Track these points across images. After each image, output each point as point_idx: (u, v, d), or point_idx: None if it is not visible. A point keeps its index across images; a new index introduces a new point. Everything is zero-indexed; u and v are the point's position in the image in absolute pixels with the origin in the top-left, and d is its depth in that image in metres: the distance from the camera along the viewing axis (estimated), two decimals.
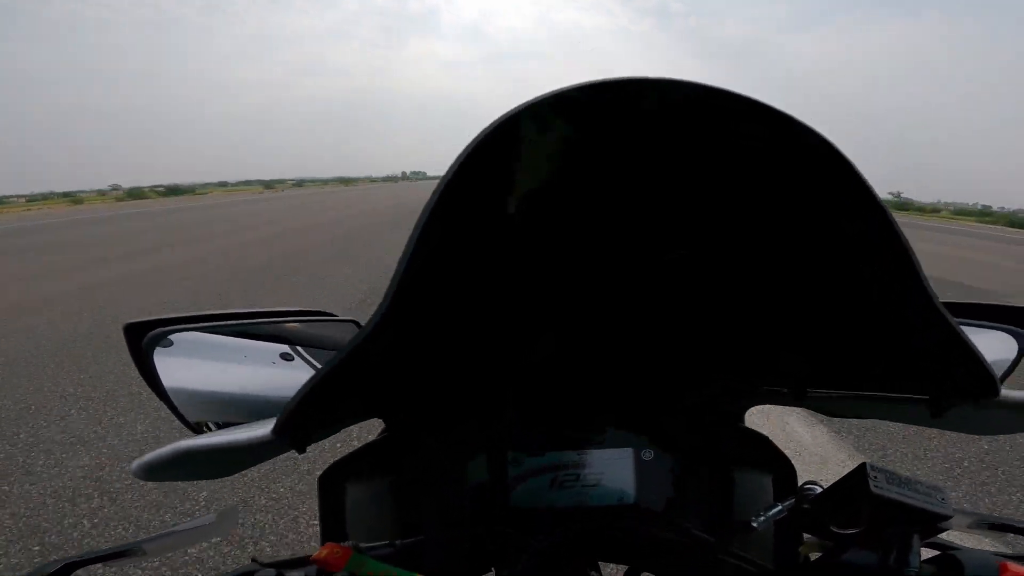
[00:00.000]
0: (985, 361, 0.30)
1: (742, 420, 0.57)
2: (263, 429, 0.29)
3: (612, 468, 0.53)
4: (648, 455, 0.53)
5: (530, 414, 0.53)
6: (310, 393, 0.28)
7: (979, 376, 0.32)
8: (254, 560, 0.39)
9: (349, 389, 0.34)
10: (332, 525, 0.52)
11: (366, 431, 0.56)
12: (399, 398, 0.48)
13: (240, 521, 1.84)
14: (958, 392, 0.35)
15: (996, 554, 0.33)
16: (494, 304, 0.37)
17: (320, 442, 0.51)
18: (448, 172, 0.23)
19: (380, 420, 0.55)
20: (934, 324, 0.29)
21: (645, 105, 0.24)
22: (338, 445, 2.01)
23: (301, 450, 0.34)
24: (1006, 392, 0.33)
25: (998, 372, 0.56)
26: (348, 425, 0.48)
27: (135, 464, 0.28)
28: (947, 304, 0.28)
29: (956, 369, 0.32)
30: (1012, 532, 0.44)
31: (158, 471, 0.29)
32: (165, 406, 0.49)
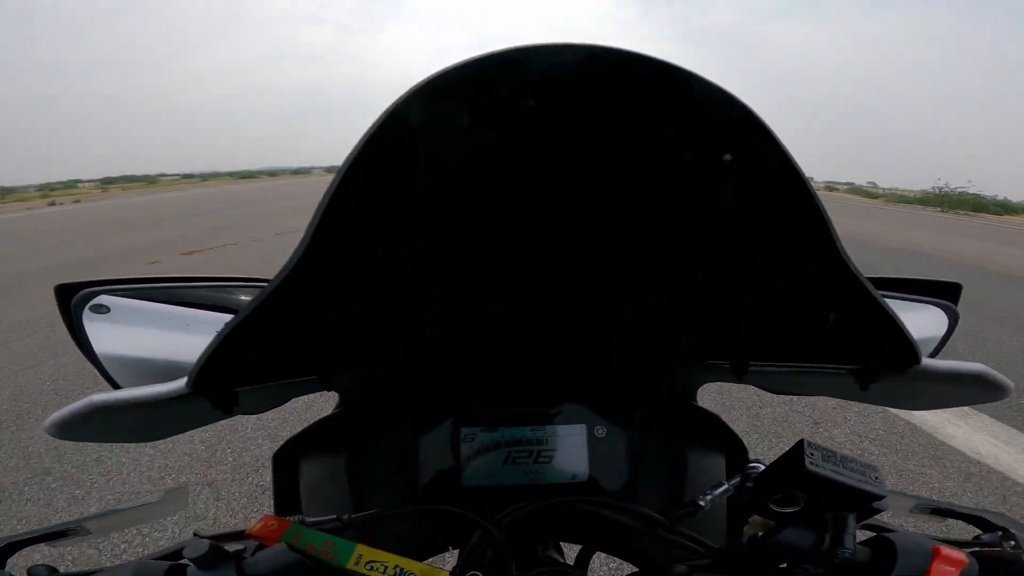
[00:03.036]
0: (906, 329, 0.31)
1: (694, 398, 0.58)
2: (180, 383, 0.28)
3: (566, 445, 0.53)
4: (601, 432, 0.53)
5: (477, 371, 0.52)
6: (223, 343, 0.27)
7: (901, 345, 0.32)
8: (195, 535, 0.38)
9: (266, 341, 0.33)
10: (285, 502, 0.51)
11: (327, 410, 0.55)
12: (331, 357, 0.47)
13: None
14: (883, 363, 0.36)
15: (933, 538, 0.34)
16: (415, 247, 0.36)
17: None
18: (342, 166, 0.23)
19: (337, 396, 0.54)
20: (856, 295, 0.29)
21: (534, 71, 0.24)
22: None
23: (227, 413, 0.33)
24: (928, 362, 0.34)
25: (929, 346, 0.57)
26: (294, 394, 0.47)
27: (47, 421, 0.26)
28: (879, 279, 0.29)
29: (880, 340, 0.33)
30: (953, 517, 0.44)
31: (72, 428, 0.27)
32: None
